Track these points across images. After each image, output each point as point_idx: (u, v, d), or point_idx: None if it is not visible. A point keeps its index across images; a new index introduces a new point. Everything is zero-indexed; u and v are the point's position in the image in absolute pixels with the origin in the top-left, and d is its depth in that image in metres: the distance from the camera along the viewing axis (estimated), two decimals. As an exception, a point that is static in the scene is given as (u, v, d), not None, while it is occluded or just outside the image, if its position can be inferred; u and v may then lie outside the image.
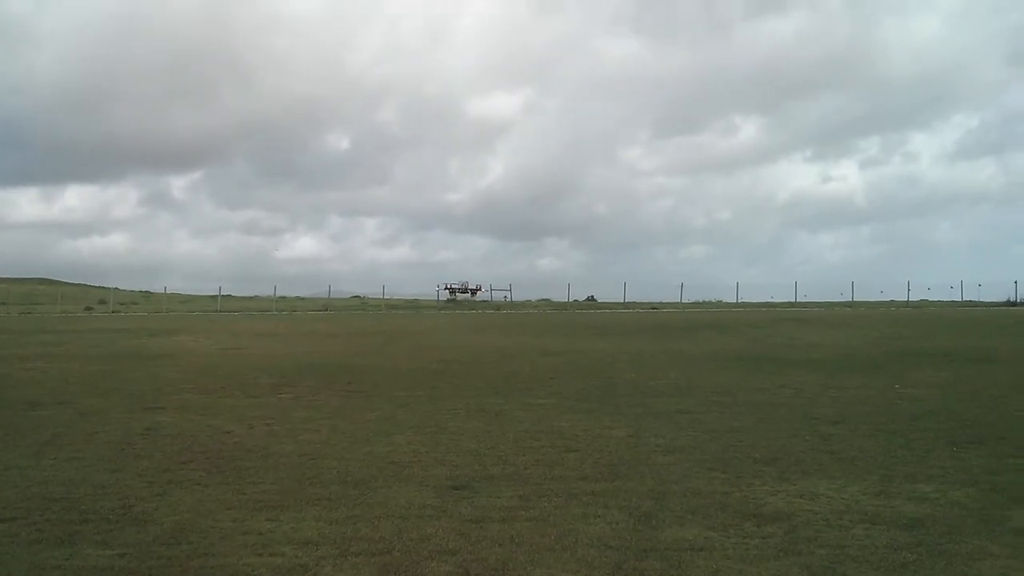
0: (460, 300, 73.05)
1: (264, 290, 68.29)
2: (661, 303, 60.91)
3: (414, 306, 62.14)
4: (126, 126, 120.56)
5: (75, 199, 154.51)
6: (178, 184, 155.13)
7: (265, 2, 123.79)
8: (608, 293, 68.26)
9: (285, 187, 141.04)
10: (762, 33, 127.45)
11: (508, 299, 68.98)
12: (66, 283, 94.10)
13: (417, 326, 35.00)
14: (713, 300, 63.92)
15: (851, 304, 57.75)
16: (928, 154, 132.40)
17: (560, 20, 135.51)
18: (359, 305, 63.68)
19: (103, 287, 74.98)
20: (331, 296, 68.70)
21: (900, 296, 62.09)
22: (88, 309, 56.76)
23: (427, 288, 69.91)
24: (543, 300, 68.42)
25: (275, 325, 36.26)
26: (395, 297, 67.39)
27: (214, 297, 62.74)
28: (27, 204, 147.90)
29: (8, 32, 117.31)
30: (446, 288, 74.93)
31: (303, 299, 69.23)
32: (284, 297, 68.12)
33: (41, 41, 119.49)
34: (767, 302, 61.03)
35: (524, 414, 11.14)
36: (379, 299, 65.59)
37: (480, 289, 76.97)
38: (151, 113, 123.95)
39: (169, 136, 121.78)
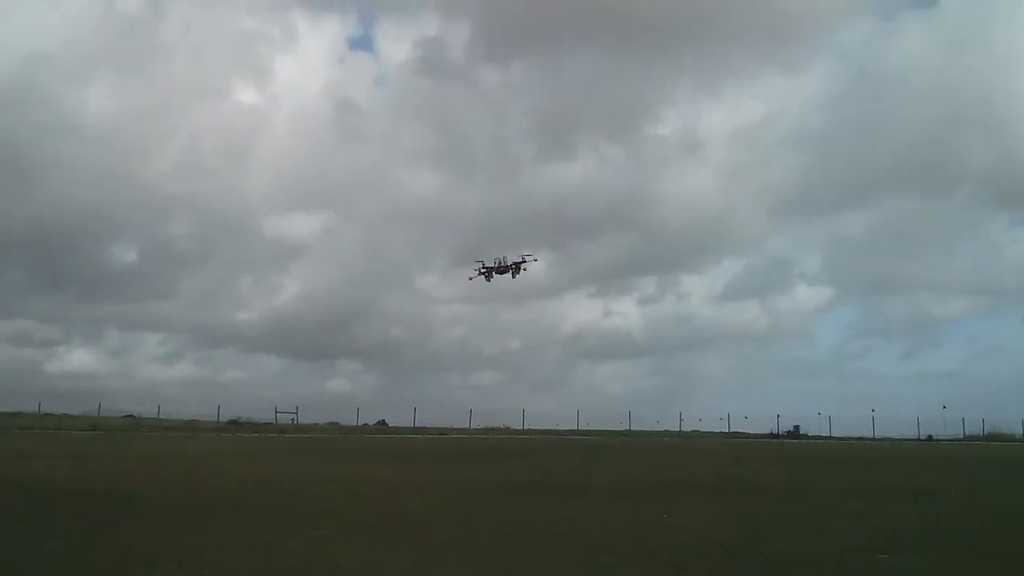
0: (497, 278, 64.49)
1: (29, 406, 62.89)
2: (451, 428, 61.21)
3: (191, 428, 58.49)
4: None
5: None
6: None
7: (53, 108, 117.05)
8: (399, 417, 67.90)
9: (62, 297, 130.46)
10: (551, 176, 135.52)
11: (294, 422, 66.52)
12: None
13: (192, 450, 32.94)
14: (501, 426, 64.90)
15: (628, 433, 60.58)
16: (699, 294, 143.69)
17: (362, 149, 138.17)
18: (132, 425, 59.48)
19: None
20: (101, 414, 64.00)
21: (673, 426, 66.08)
22: None
23: (208, 408, 66.04)
24: (331, 423, 66.66)
25: (35, 444, 33.02)
26: (172, 418, 63.46)
27: (-31, 412, 56.69)
28: None
29: None
30: (480, 269, 65.95)
31: (71, 416, 63.67)
32: (50, 414, 62.77)
33: None
34: (552, 429, 62.98)
35: (298, 546, 10.62)
36: (154, 419, 61.62)
37: (524, 262, 66.64)
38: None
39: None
